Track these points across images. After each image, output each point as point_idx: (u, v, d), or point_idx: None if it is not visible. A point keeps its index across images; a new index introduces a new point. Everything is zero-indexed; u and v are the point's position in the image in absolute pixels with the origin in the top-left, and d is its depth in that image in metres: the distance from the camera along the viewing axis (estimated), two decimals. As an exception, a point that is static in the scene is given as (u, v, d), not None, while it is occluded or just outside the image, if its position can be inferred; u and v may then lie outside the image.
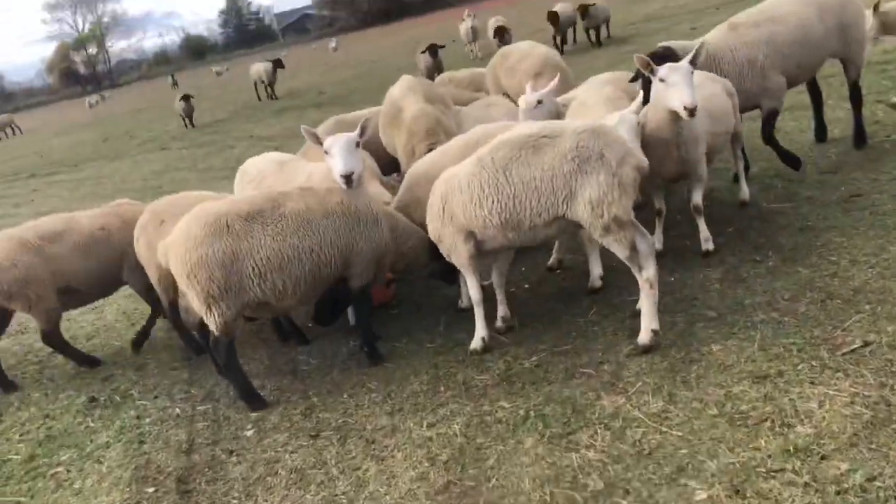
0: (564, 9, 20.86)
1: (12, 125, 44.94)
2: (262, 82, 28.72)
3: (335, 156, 4.99)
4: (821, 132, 7.59)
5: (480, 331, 5.01)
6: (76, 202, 13.44)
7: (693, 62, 4.99)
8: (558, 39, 21.35)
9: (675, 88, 4.89)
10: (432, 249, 5.49)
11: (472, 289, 5.03)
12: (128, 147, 24.30)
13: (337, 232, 4.91)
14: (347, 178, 4.92)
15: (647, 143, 5.18)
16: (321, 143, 5.12)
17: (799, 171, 6.67)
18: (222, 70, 60.96)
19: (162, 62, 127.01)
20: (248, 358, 5.66)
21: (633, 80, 6.43)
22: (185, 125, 24.31)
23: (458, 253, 4.92)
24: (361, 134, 5.15)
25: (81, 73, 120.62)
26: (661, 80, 4.99)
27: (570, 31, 22.67)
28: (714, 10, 21.40)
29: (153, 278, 5.72)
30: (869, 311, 4.29)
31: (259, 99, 29.02)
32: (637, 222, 4.60)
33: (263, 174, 6.25)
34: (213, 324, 4.72)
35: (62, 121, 48.00)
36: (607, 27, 21.69)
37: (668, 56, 6.04)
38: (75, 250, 5.92)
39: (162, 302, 5.84)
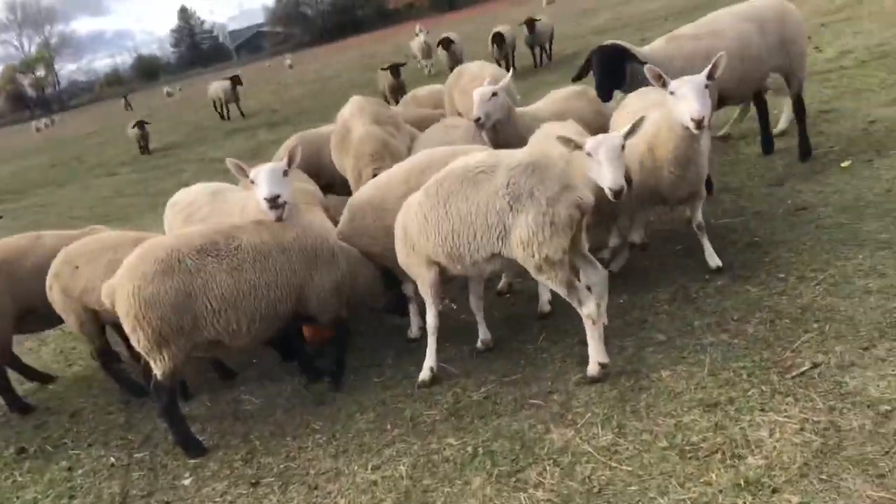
0: (507, 30, 20.52)
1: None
2: (220, 101, 28.12)
3: (260, 183, 4.85)
4: (767, 144, 7.62)
5: (429, 361, 4.88)
6: (17, 232, 13.00)
7: (710, 76, 4.75)
8: (503, 64, 20.81)
9: (684, 100, 4.66)
10: (385, 282, 5.37)
11: (429, 317, 4.87)
12: (76, 173, 23.75)
13: (293, 267, 4.73)
14: (272, 202, 4.77)
15: (663, 164, 5.03)
16: (247, 175, 4.96)
17: (745, 184, 6.68)
18: (173, 91, 60.20)
19: (114, 83, 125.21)
20: (189, 398, 5.43)
21: (576, 79, 6.55)
22: (141, 151, 23.55)
23: (421, 280, 4.81)
24: (290, 163, 4.99)
25: (29, 96, 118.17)
26: (671, 93, 4.79)
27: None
28: (662, 20, 21.71)
29: (73, 326, 5.46)
30: (817, 329, 4.24)
31: (222, 118, 28.37)
32: (589, 255, 4.53)
33: (194, 206, 6.02)
34: (160, 367, 4.46)
35: (7, 147, 46.79)
36: (550, 46, 21.37)
37: (619, 51, 6.05)
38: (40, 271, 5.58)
39: (91, 347, 5.58)
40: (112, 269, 5.10)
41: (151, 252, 4.47)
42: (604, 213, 5.10)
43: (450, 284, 5.39)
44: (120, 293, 4.38)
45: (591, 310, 4.25)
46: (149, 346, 4.39)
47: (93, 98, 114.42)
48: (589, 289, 4.44)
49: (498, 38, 19.63)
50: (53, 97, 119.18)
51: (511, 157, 4.39)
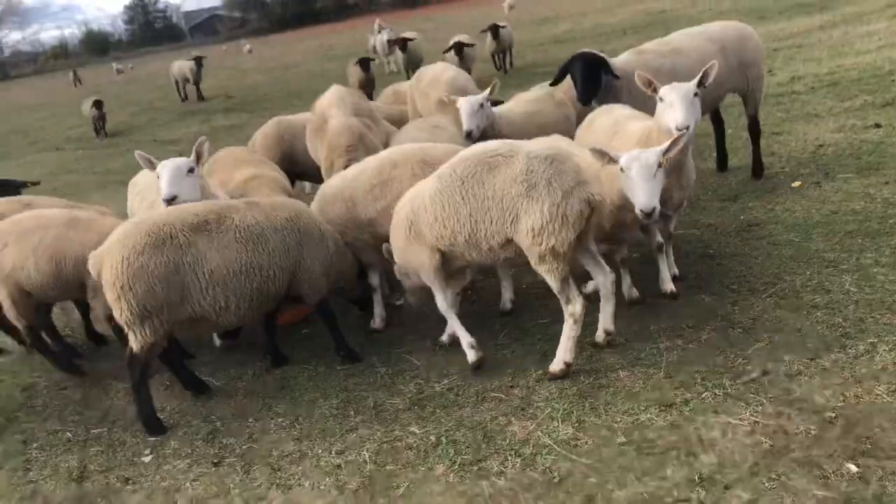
0: (467, 39, 18.86)
1: None
2: (187, 80, 27.32)
3: (160, 181, 4.94)
4: (722, 161, 7.92)
5: (465, 339, 4.82)
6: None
7: (701, 83, 4.87)
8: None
9: (671, 108, 4.73)
10: (359, 272, 5.46)
11: (441, 301, 4.88)
12: (18, 147, 22.99)
13: (286, 248, 4.77)
14: (168, 203, 4.85)
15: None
16: (153, 168, 5.06)
17: (699, 198, 6.94)
18: (124, 68, 58.72)
19: (60, 56, 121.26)
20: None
21: (554, 83, 6.64)
22: (97, 133, 21.95)
23: (424, 267, 4.80)
24: (197, 159, 5.08)
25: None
26: (661, 99, 4.86)
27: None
28: (622, 33, 22.17)
29: (4, 303, 5.37)
30: (767, 339, 4.47)
31: (183, 99, 27.73)
32: (598, 257, 4.62)
33: (151, 187, 5.98)
34: (138, 341, 4.46)
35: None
36: (510, 54, 20.96)
37: (594, 59, 6.28)
38: None
39: (21, 326, 5.49)
40: (42, 248, 5.11)
41: (143, 225, 4.48)
42: (609, 235, 4.99)
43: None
44: (107, 262, 4.38)
45: (576, 309, 4.36)
46: (131, 318, 4.39)
47: (37, 70, 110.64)
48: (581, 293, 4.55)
49: (458, 48, 18.90)
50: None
51: (530, 146, 4.43)
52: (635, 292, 5.28)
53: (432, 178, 4.66)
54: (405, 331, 5.58)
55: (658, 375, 4.30)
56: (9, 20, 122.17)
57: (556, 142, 5.13)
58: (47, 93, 49.95)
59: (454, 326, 4.90)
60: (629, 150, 4.48)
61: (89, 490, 4.17)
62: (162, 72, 51.29)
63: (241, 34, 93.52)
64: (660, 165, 4.35)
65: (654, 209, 4.31)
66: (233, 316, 4.67)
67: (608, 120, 5.55)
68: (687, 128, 4.64)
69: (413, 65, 18.45)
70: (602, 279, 4.60)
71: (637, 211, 4.37)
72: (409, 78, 11.90)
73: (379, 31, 27.47)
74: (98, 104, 21.46)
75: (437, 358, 5.07)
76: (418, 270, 4.89)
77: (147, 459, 4.39)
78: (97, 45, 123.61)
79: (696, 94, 4.82)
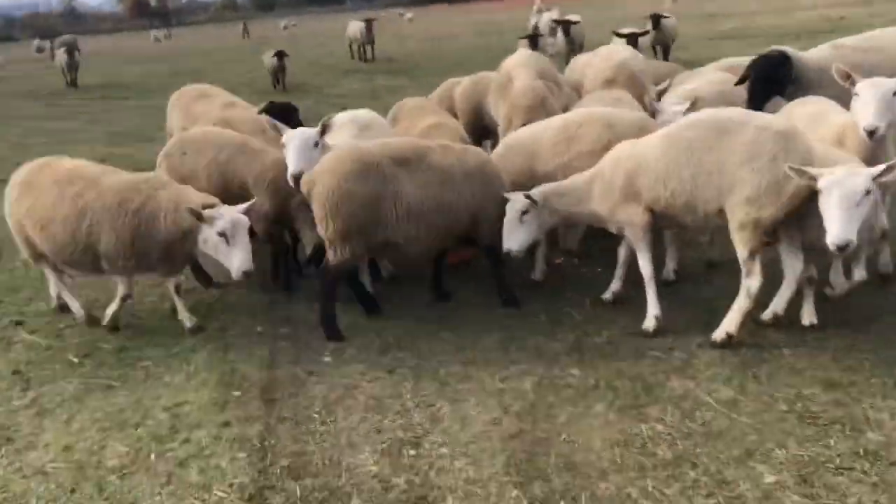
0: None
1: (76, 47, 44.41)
2: (357, 41, 28.13)
3: (288, 153, 5.22)
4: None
5: (653, 309, 4.90)
6: (145, 131, 13.92)
7: None
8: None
9: (864, 107, 4.61)
10: None
11: (645, 266, 4.91)
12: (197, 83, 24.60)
13: (473, 192, 5.14)
14: (296, 180, 5.09)
15: None
16: (280, 133, 5.36)
17: None
18: (289, 25, 61.36)
19: (231, 8, 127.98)
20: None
21: (739, 83, 6.52)
22: (275, 85, 21.45)
23: (635, 225, 4.87)
24: (323, 132, 5.33)
25: (152, 6, 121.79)
26: (856, 94, 4.74)
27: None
28: (795, 37, 21.24)
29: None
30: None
31: (352, 58, 28.57)
32: (797, 247, 4.59)
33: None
34: (338, 257, 4.93)
35: (129, 50, 48.70)
36: (670, 48, 19.57)
37: (782, 57, 6.18)
38: None
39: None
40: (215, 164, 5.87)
41: (356, 153, 4.93)
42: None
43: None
44: (320, 184, 4.85)
45: (753, 284, 4.46)
46: (334, 235, 4.86)
47: (209, 18, 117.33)
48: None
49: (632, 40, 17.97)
50: (173, 12, 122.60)
51: (762, 118, 4.51)
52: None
53: (659, 137, 4.75)
54: (564, 286, 5.80)
55: (824, 357, 4.34)
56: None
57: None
58: (217, 40, 53.05)
59: (651, 292, 4.92)
60: (834, 161, 4.20)
61: (279, 376, 4.67)
62: (323, 30, 53.59)
63: (398, 2, 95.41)
64: (867, 192, 3.92)
65: (848, 243, 3.88)
66: (421, 246, 5.06)
67: (805, 111, 5.37)
68: (876, 129, 4.52)
69: (574, 49, 18.24)
70: (792, 264, 4.62)
71: (829, 243, 3.94)
72: (567, 62, 11.86)
73: (539, 12, 27.34)
74: (280, 55, 21.19)
75: (597, 313, 5.27)
76: (628, 226, 4.93)
77: (328, 359, 4.86)
78: (264, 1, 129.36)
79: (895, 94, 4.64)
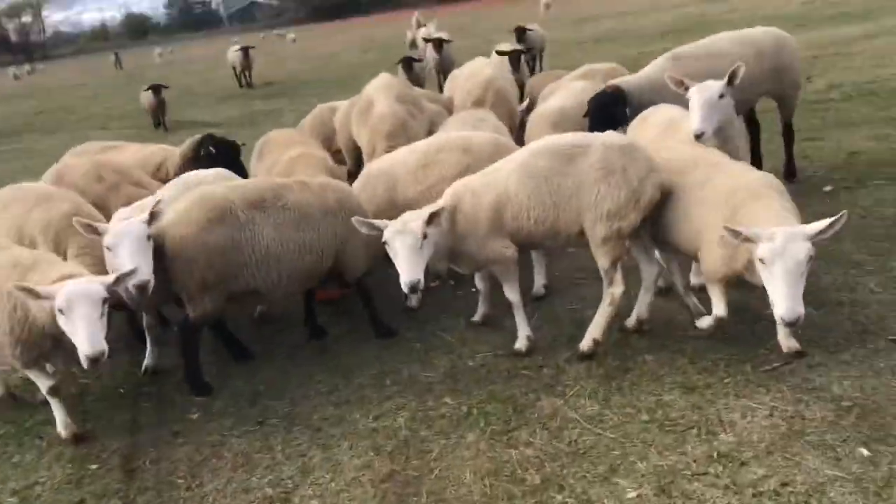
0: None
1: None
2: (237, 68, 27.21)
3: (118, 255, 4.40)
4: (756, 163, 8.03)
5: (523, 330, 4.92)
6: (8, 176, 13.10)
7: (730, 82, 4.99)
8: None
9: (692, 111, 4.94)
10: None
11: (513, 294, 4.90)
12: (65, 123, 23.59)
13: (334, 230, 5.01)
14: (142, 290, 4.32)
15: None
16: (98, 234, 4.51)
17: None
18: (164, 52, 59.64)
19: (100, 38, 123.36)
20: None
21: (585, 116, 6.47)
22: (158, 124, 19.28)
23: (506, 261, 4.80)
24: (151, 220, 4.53)
25: (13, 42, 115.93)
26: (689, 99, 4.98)
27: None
28: (659, 37, 22.18)
29: None
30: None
31: (240, 85, 27.30)
32: (651, 249, 4.84)
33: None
34: (198, 309, 4.72)
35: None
36: (541, 57, 19.58)
37: (615, 98, 6.30)
38: None
39: None
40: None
41: (205, 198, 4.74)
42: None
43: None
44: (171, 236, 4.62)
45: (616, 291, 4.64)
46: (192, 288, 4.65)
47: (76, 50, 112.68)
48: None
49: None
50: (37, 46, 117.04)
51: (603, 137, 4.66)
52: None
53: (517, 169, 4.70)
54: (439, 310, 5.80)
55: (682, 360, 4.49)
56: (52, 0, 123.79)
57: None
58: (88, 73, 50.95)
59: (520, 316, 4.92)
60: (772, 225, 3.80)
61: (141, 441, 4.45)
62: (200, 57, 52.28)
63: (278, 23, 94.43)
64: (811, 258, 3.73)
65: (799, 317, 3.72)
66: (282, 290, 4.93)
67: (662, 118, 5.58)
68: (702, 133, 4.80)
69: (446, 68, 17.78)
70: (648, 269, 4.84)
71: (777, 317, 3.79)
72: (440, 81, 11.89)
73: (419, 26, 27.40)
74: (156, 89, 18.69)
75: (470, 335, 5.29)
76: (498, 262, 4.83)
77: (195, 416, 4.67)
78: (137, 29, 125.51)
79: (721, 96, 4.95)
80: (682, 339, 4.76)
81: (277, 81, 27.06)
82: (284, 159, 6.63)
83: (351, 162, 7.87)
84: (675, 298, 5.28)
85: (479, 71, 8.14)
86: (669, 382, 4.29)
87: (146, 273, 4.32)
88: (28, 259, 4.34)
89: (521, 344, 4.93)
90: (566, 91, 7.34)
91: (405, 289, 4.34)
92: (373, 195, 5.65)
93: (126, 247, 4.35)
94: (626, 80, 6.60)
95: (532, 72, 19.71)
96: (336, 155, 7.93)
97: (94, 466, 4.23)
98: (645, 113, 5.98)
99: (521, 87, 9.69)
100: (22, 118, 26.79)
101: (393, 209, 5.54)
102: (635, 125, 5.99)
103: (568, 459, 3.78)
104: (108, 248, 4.46)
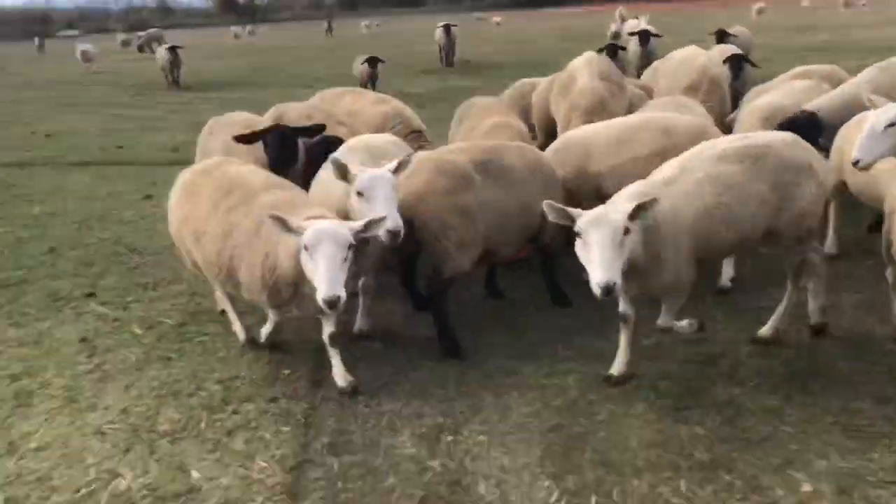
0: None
1: (160, 42, 40.87)
2: (443, 46, 27.75)
3: (368, 200, 4.27)
4: None
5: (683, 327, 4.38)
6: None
7: None
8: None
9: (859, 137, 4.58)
10: None
11: (669, 321, 4.41)
12: (277, 78, 25.31)
13: (537, 188, 5.07)
14: (395, 236, 4.19)
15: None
16: (345, 177, 4.36)
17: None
18: (370, 25, 62.27)
19: (314, 6, 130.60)
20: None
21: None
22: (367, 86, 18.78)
23: (689, 279, 4.22)
24: (397, 170, 4.44)
25: (240, 3, 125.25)
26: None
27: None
28: (887, 50, 20.43)
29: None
30: None
31: (443, 64, 28.08)
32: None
33: None
34: (452, 269, 4.79)
35: (210, 47, 50.24)
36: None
37: (809, 122, 5.92)
38: None
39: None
40: None
41: (442, 164, 4.85)
42: None
43: None
44: (426, 203, 4.70)
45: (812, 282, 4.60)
46: (451, 249, 4.72)
47: (293, 16, 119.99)
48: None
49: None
50: (259, 8, 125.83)
51: (771, 135, 4.51)
52: None
53: (691, 180, 4.16)
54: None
55: (879, 371, 4.24)
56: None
57: None
58: (301, 37, 54.28)
59: (671, 322, 4.38)
60: None
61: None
62: (402, 31, 54.27)
63: (482, 6, 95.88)
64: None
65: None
66: (510, 248, 5.13)
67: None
68: (856, 163, 4.40)
69: (648, 63, 17.17)
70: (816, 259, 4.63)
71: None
72: (639, 76, 11.66)
73: (622, 20, 26.94)
74: (372, 62, 19.74)
75: (646, 314, 5.20)
76: (683, 282, 4.21)
77: (378, 346, 4.98)
78: (348, 0, 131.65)
79: (892, 125, 4.28)
80: (880, 353, 4.48)
81: (475, 61, 27.58)
82: (485, 125, 6.82)
83: (543, 138, 7.94)
84: (874, 312, 4.99)
85: (694, 58, 8.00)
86: (861, 391, 4.06)
87: (399, 219, 4.21)
88: (287, 202, 4.35)
89: (687, 324, 4.34)
90: (783, 89, 7.04)
91: (597, 291, 3.51)
92: (563, 163, 5.64)
93: (381, 192, 4.24)
94: (820, 106, 6.17)
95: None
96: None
97: (286, 371, 4.65)
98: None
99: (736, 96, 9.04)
100: (239, 73, 29.05)
101: (582, 181, 5.56)
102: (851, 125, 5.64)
103: (740, 444, 3.69)
104: (358, 194, 4.31)
